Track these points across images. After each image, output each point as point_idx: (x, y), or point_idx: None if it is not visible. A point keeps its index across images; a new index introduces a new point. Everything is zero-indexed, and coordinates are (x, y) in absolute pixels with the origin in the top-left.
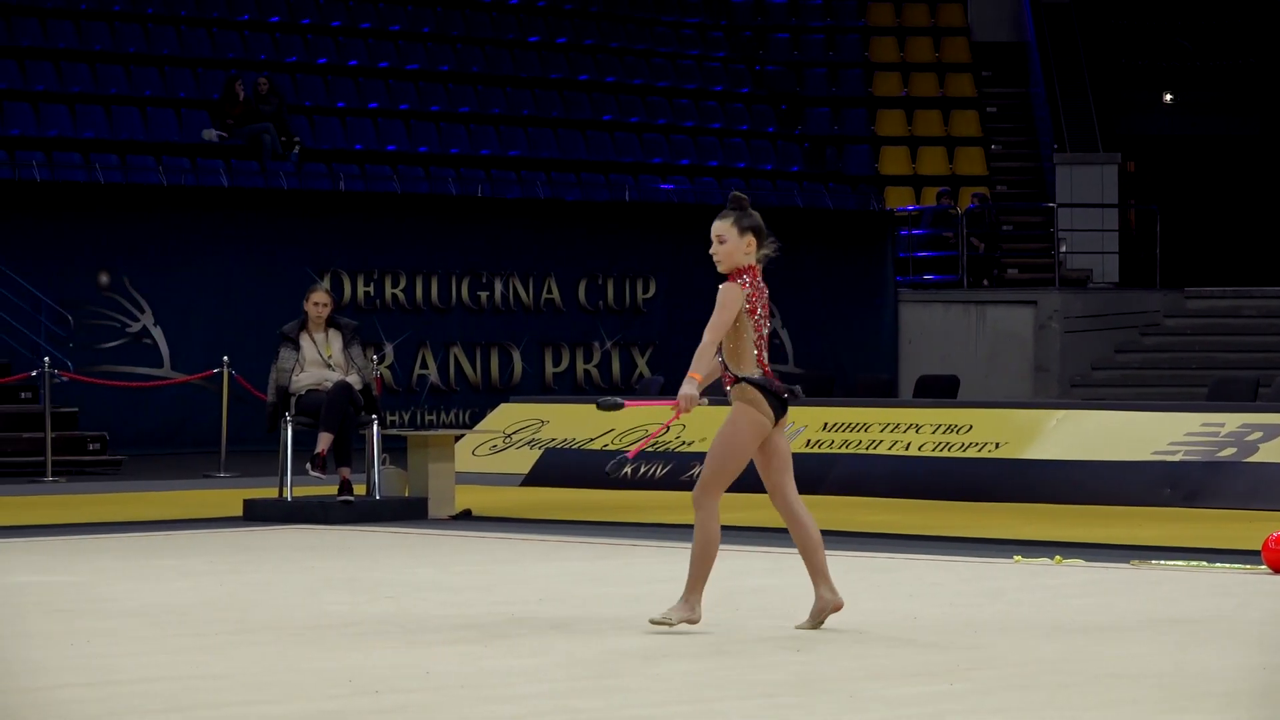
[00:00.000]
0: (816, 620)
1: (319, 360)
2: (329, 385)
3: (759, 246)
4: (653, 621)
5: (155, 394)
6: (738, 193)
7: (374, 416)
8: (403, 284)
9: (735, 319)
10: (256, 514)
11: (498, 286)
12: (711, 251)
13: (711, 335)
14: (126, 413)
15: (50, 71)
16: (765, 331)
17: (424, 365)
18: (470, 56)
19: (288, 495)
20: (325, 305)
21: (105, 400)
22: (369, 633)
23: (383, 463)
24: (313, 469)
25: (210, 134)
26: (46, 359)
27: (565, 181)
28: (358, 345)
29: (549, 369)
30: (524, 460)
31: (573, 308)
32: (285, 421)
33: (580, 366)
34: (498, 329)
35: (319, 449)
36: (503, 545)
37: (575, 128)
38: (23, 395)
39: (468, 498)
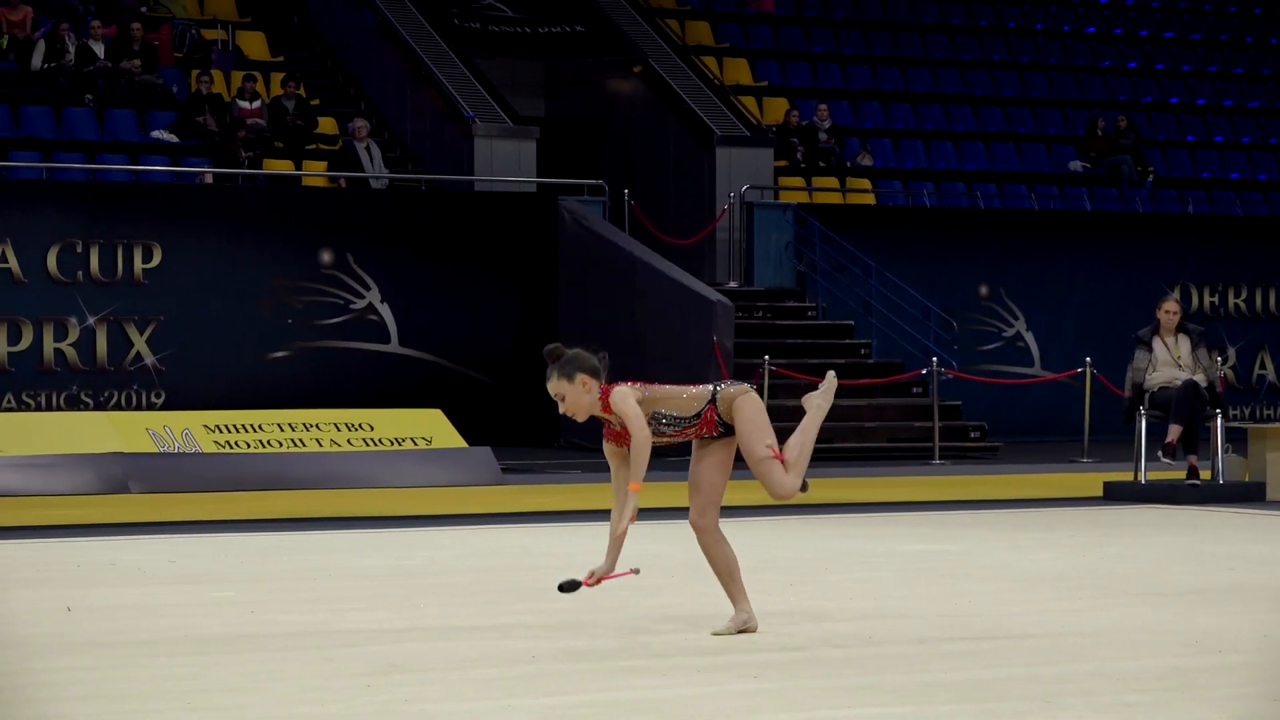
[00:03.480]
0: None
1: (1169, 361)
2: (1178, 383)
3: (596, 377)
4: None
5: (1028, 389)
6: (547, 346)
7: (1218, 411)
8: (1244, 294)
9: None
10: (1114, 494)
11: None
12: (561, 411)
13: (641, 440)
14: (1002, 405)
15: (939, 113)
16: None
17: (1262, 366)
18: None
19: (1142, 479)
20: (1175, 313)
21: (984, 394)
22: (1212, 600)
23: (1226, 451)
24: (1164, 456)
25: (1076, 165)
26: (934, 359)
27: None
28: (1204, 348)
29: None
30: None
31: None
32: (1140, 414)
33: None
34: None
35: (1169, 439)
36: None
37: None
38: (914, 390)
39: None
